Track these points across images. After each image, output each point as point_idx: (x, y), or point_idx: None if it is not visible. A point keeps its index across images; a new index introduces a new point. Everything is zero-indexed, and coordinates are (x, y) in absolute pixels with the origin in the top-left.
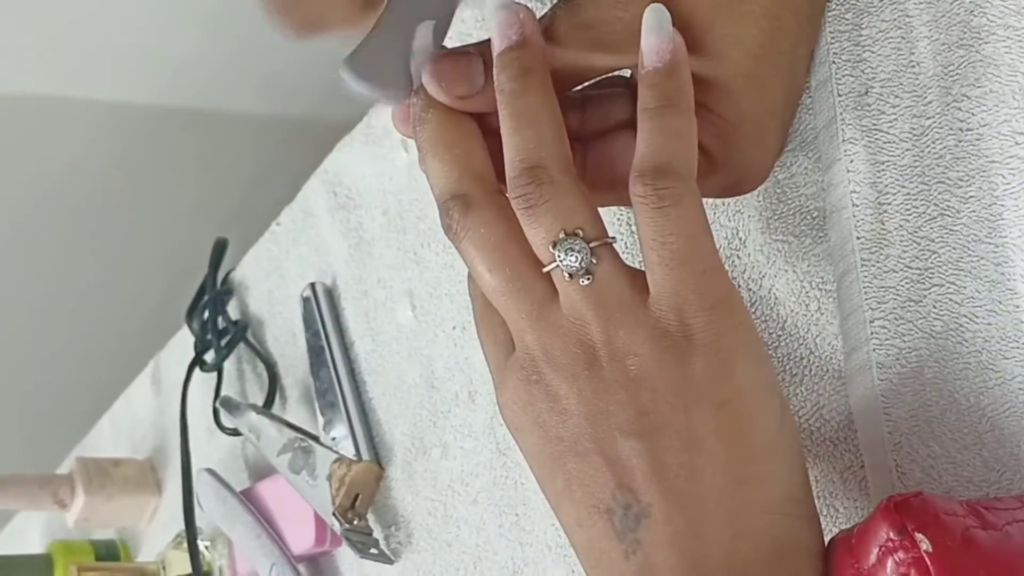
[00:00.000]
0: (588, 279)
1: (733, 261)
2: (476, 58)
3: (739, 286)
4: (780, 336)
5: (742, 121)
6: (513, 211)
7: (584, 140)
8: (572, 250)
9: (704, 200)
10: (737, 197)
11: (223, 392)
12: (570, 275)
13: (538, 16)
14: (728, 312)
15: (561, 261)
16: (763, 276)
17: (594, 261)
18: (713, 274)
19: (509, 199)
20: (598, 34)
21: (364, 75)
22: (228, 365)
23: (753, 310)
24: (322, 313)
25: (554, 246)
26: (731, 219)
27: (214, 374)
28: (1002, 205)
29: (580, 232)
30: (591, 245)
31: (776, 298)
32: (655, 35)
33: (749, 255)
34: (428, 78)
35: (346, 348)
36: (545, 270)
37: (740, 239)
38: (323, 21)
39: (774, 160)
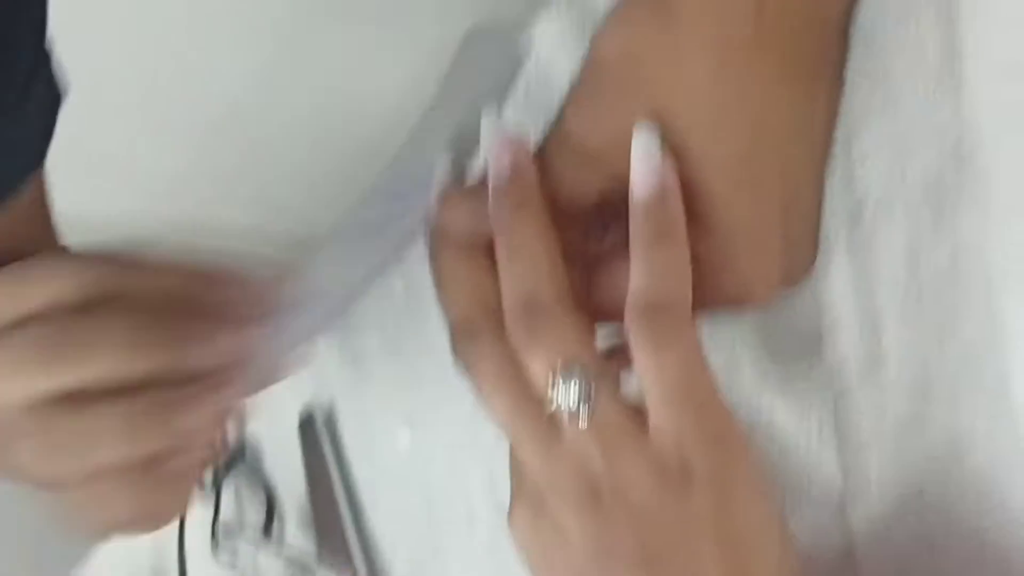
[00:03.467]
0: (588, 413)
1: (730, 384)
2: (485, 192)
3: (738, 408)
4: (780, 460)
5: (732, 230)
6: None
7: (591, 260)
8: (570, 384)
9: (700, 320)
10: (733, 320)
11: (221, 517)
12: (570, 409)
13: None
14: (728, 446)
15: (560, 396)
16: (761, 398)
17: (593, 393)
18: (711, 408)
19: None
20: (579, 146)
21: None
22: (226, 488)
23: (752, 433)
24: (320, 436)
25: (552, 380)
26: (727, 340)
27: (212, 497)
28: (1000, 323)
29: (578, 366)
30: (589, 378)
31: (774, 422)
32: (644, 162)
33: (746, 377)
34: (442, 212)
35: (344, 471)
36: (546, 404)
37: (736, 360)
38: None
39: (781, 270)
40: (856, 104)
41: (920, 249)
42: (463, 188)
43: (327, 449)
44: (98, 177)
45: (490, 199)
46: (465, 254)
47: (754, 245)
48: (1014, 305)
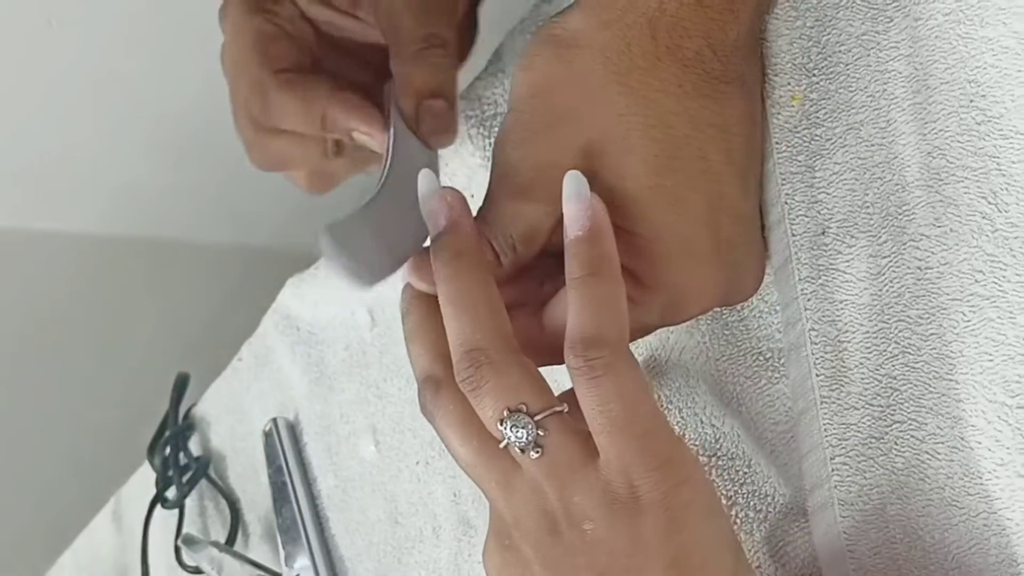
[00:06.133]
0: (538, 452)
1: (693, 398)
2: None
3: (701, 422)
4: (747, 474)
5: (660, 235)
6: None
7: (544, 302)
8: (518, 426)
9: (654, 336)
10: (688, 342)
11: (185, 529)
12: (521, 450)
13: None
14: (675, 470)
15: (510, 438)
16: (724, 414)
17: (541, 433)
18: (655, 434)
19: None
20: (512, 184)
21: (342, 246)
22: (190, 502)
23: (719, 447)
24: (284, 449)
25: (501, 423)
26: (682, 359)
27: (176, 511)
28: (963, 342)
29: (524, 408)
30: (536, 418)
31: (739, 436)
32: (574, 203)
33: (704, 399)
34: (410, 270)
35: (309, 484)
36: (500, 446)
37: (695, 378)
38: (289, 162)
39: (718, 275)
40: (818, 133)
41: (882, 271)
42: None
43: (291, 460)
44: (64, 196)
45: (431, 250)
46: (431, 308)
47: (682, 247)
48: (968, 330)
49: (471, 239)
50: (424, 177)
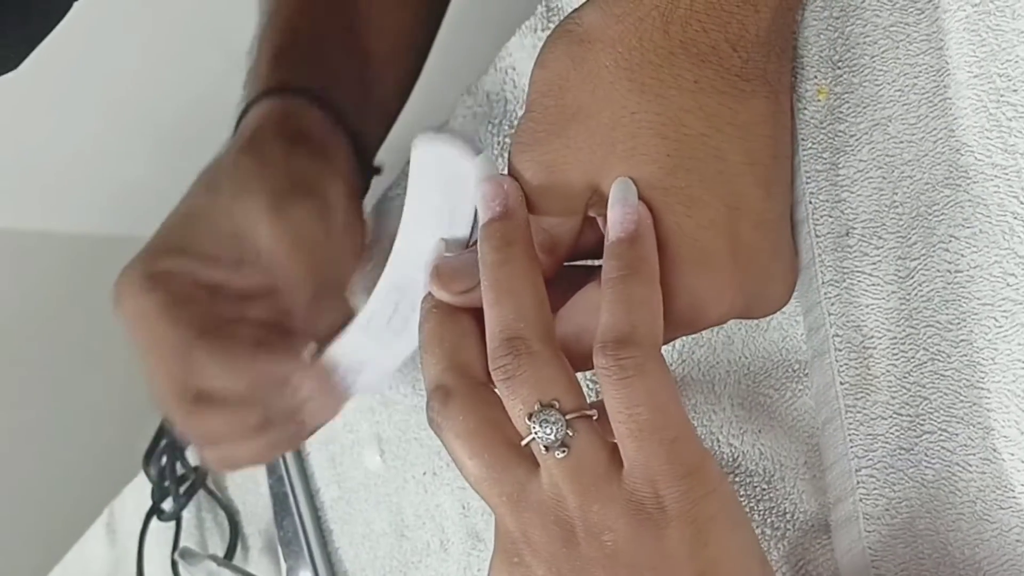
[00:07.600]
0: (564, 452)
1: (710, 416)
2: (471, 259)
3: (719, 441)
4: (765, 491)
5: (672, 239)
6: (496, 401)
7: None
8: (548, 422)
9: (676, 351)
10: (711, 355)
11: (182, 542)
12: (546, 447)
13: None
14: (702, 480)
15: (537, 433)
16: (744, 431)
17: (570, 433)
18: (684, 442)
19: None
20: (524, 185)
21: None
22: (187, 514)
23: (736, 465)
24: (286, 458)
25: (530, 418)
26: (705, 374)
27: (172, 523)
28: (995, 349)
29: (556, 404)
30: (567, 417)
31: (760, 452)
32: (619, 207)
33: (724, 410)
34: (431, 277)
35: (311, 495)
36: (523, 443)
37: (716, 394)
38: (220, 438)
39: (742, 283)
40: (843, 129)
41: (911, 274)
42: (451, 257)
43: (293, 470)
44: (56, 196)
45: (480, 235)
46: (447, 318)
47: (697, 253)
48: (1000, 336)
49: (523, 229)
50: (482, 160)
